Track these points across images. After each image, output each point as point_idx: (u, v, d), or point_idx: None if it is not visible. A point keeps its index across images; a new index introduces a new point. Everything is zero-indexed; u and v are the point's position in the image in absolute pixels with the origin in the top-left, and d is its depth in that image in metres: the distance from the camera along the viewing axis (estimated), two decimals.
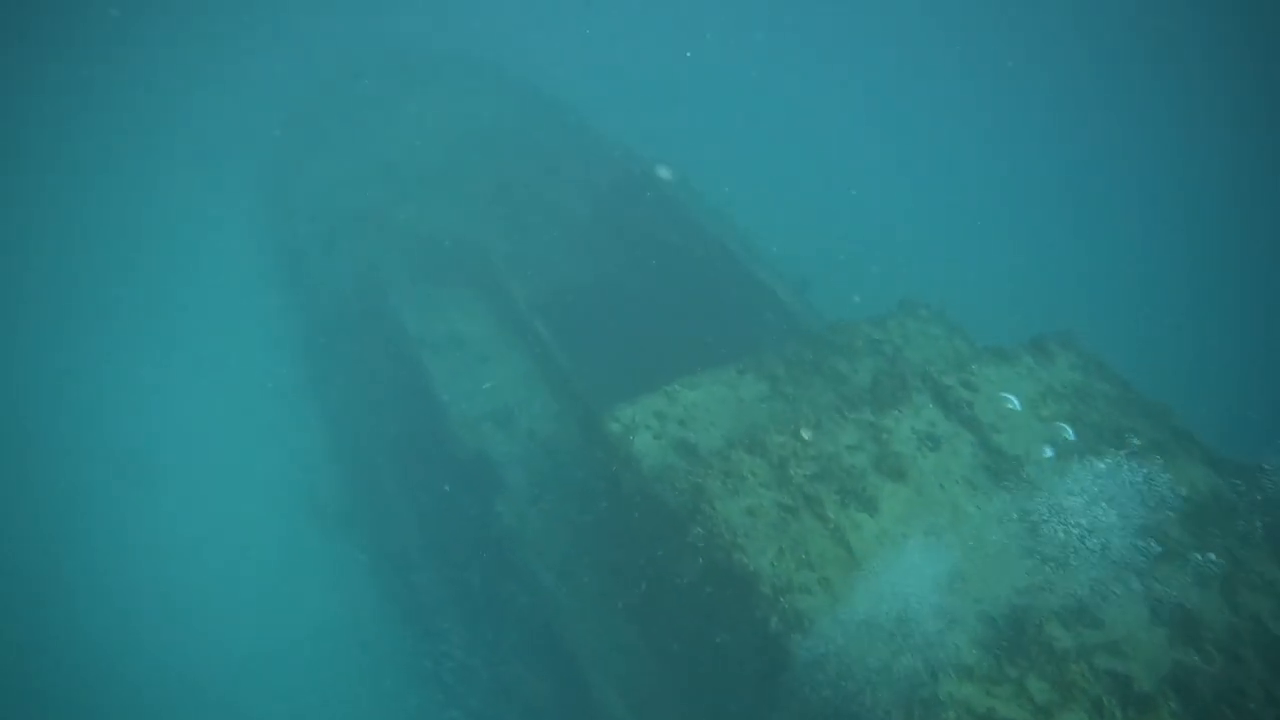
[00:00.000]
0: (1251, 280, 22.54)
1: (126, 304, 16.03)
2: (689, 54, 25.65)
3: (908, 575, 6.89)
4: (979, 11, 31.60)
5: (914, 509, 7.36)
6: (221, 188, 17.93)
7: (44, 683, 11.59)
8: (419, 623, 11.17)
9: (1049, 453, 7.76)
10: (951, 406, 8.19)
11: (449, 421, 11.18)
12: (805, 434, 7.86)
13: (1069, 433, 7.93)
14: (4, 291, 16.12)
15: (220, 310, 15.80)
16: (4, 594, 12.26)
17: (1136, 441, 7.92)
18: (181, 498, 13.43)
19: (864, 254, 19.03)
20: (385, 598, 11.85)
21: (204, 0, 23.14)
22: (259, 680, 11.68)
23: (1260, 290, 22.10)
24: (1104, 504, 7.07)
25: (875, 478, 7.60)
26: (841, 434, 7.95)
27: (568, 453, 10.80)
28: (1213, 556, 7.20)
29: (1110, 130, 28.06)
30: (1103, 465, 7.45)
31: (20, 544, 12.84)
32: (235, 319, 15.69)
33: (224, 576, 12.59)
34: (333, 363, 13.60)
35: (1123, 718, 6.36)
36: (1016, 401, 8.22)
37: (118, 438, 14.09)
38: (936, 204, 23.06)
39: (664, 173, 13.33)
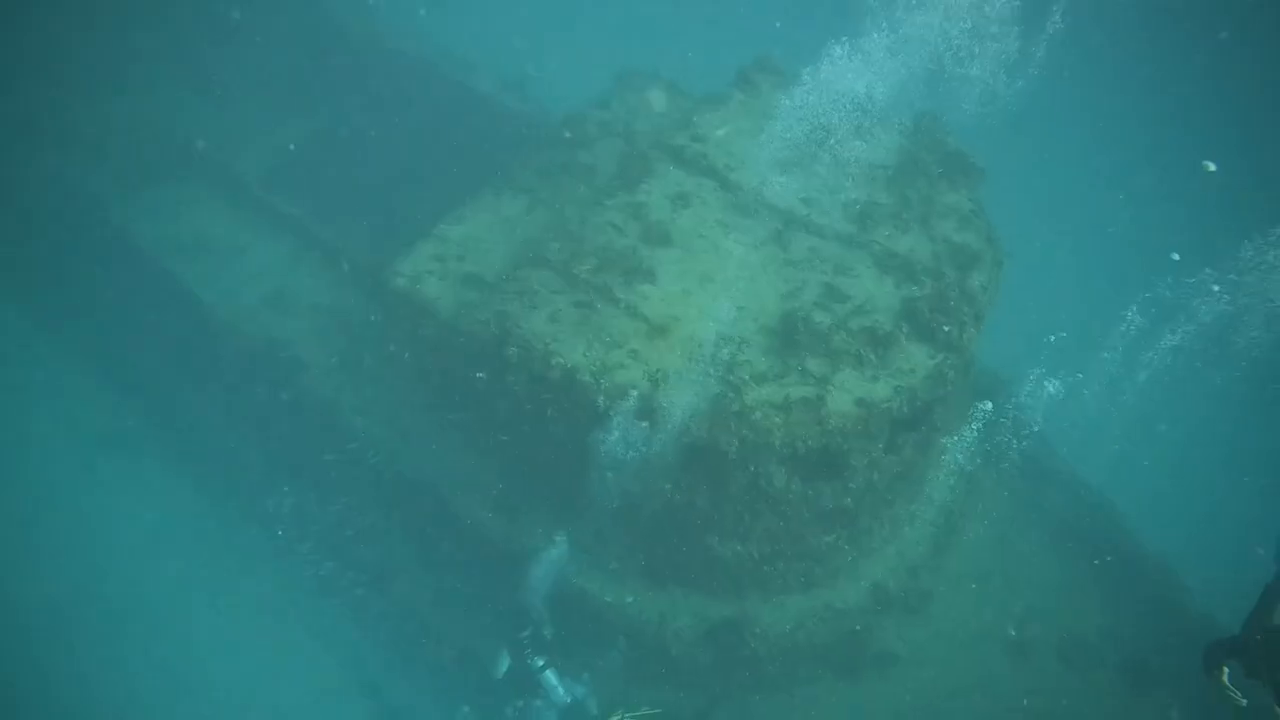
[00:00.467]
0: None
1: None
2: None
3: (700, 322, 8.21)
4: None
5: (686, 266, 8.57)
6: None
7: None
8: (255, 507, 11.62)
9: None
10: (690, 163, 9.27)
11: (228, 319, 11.19)
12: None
13: None
14: None
15: None
16: None
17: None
18: None
19: None
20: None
21: None
22: None
23: None
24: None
25: (646, 250, 8.70)
26: (606, 221, 8.91)
27: (357, 314, 11.19)
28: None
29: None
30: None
31: None
32: None
33: None
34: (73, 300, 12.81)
35: (875, 359, 8.14)
36: None
37: None
38: None
39: None
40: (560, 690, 9.31)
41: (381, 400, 10.59)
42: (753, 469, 8.10)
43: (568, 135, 10.37)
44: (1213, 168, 13.99)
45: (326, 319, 11.19)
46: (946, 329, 7.93)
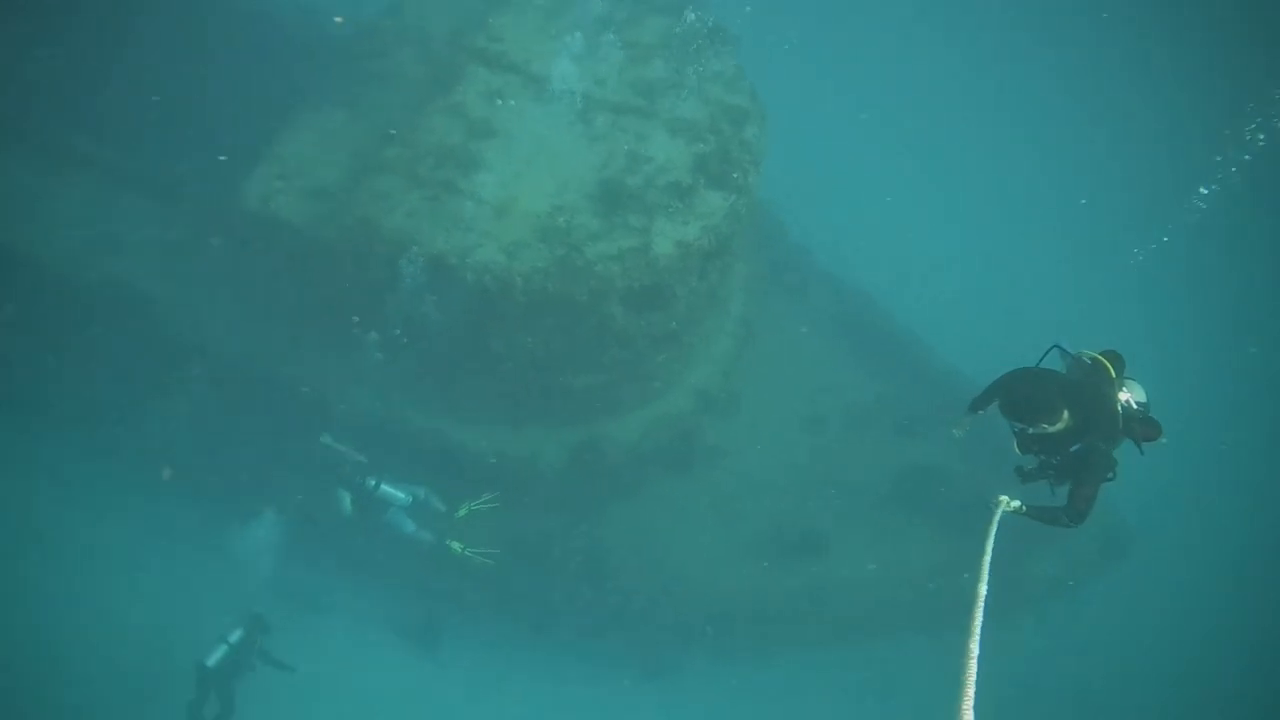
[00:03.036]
0: None
1: None
2: None
3: (535, 199, 10.31)
4: None
5: (512, 153, 10.53)
6: None
7: None
8: None
9: None
10: (494, 61, 11.06)
11: (59, 265, 11.75)
12: None
13: None
14: None
15: None
16: None
17: None
18: None
19: None
20: None
21: None
22: None
23: None
24: None
25: (475, 144, 10.55)
26: (433, 124, 10.64)
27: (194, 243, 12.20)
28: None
29: None
30: None
31: None
32: None
33: None
34: None
35: (682, 207, 10.64)
36: None
37: None
38: None
39: None
40: (401, 495, 11.24)
41: (239, 316, 11.89)
42: (599, 311, 10.50)
43: (366, 46, 11.74)
44: None
45: (161, 251, 12.12)
46: (735, 175, 10.55)
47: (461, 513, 11.67)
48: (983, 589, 3.94)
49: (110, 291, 11.71)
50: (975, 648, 3.38)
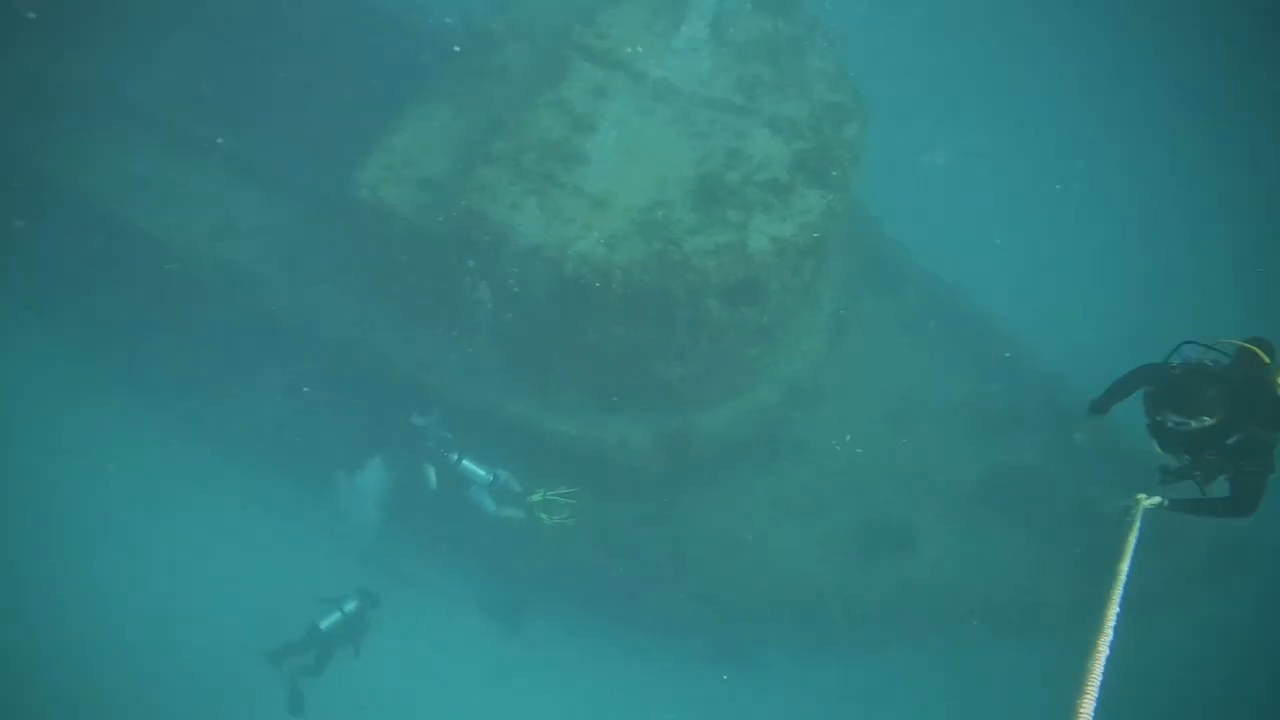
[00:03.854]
0: None
1: None
2: None
3: (635, 193, 10.55)
4: None
5: (614, 147, 10.80)
6: None
7: None
8: None
9: None
10: (600, 58, 11.32)
11: (183, 250, 12.46)
12: None
13: None
14: None
15: None
16: None
17: None
18: None
19: None
20: None
21: None
22: None
23: None
24: None
25: (578, 138, 10.84)
26: (539, 118, 10.96)
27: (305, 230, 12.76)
28: None
29: None
30: None
31: None
32: None
33: None
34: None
35: (780, 204, 10.77)
36: None
37: None
38: None
39: None
40: (481, 472, 11.68)
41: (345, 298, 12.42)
42: (694, 304, 10.70)
43: (475, 42, 12.12)
44: None
45: (275, 238, 12.74)
46: (834, 174, 10.63)
47: (536, 497, 12.03)
48: (1118, 591, 3.76)
49: (225, 274, 12.41)
50: (1106, 645, 3.24)
